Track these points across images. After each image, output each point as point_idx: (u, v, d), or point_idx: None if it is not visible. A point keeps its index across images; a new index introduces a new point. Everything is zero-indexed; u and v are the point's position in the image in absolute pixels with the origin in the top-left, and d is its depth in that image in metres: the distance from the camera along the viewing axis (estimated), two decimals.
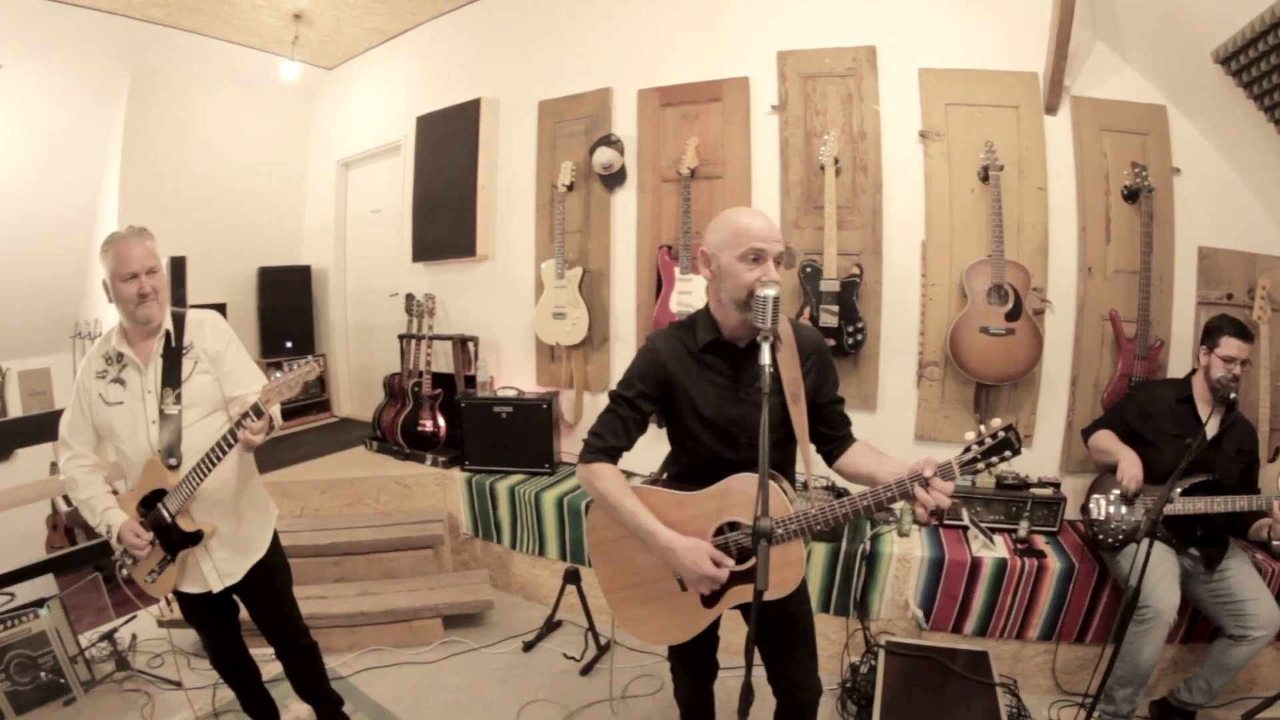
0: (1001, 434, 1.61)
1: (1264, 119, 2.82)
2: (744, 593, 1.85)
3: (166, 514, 2.21)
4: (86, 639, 3.29)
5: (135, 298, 2.17)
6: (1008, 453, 1.61)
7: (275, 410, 2.18)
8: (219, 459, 2.15)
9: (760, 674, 2.02)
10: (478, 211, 4.67)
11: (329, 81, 6.09)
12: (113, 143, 5.13)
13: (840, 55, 3.60)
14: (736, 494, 1.82)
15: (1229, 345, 2.67)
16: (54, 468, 5.44)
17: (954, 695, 2.71)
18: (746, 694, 1.56)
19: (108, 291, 2.22)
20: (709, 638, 2.13)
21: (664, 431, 2.04)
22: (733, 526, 1.85)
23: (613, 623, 3.31)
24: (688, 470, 1.97)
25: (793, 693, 2.09)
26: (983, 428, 1.64)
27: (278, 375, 2.10)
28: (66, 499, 5.22)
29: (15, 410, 5.52)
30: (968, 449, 1.64)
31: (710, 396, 1.88)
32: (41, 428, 4.26)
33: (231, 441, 2.12)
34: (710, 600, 1.90)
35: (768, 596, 1.78)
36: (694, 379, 1.89)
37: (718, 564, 1.79)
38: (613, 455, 1.95)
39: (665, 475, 2.08)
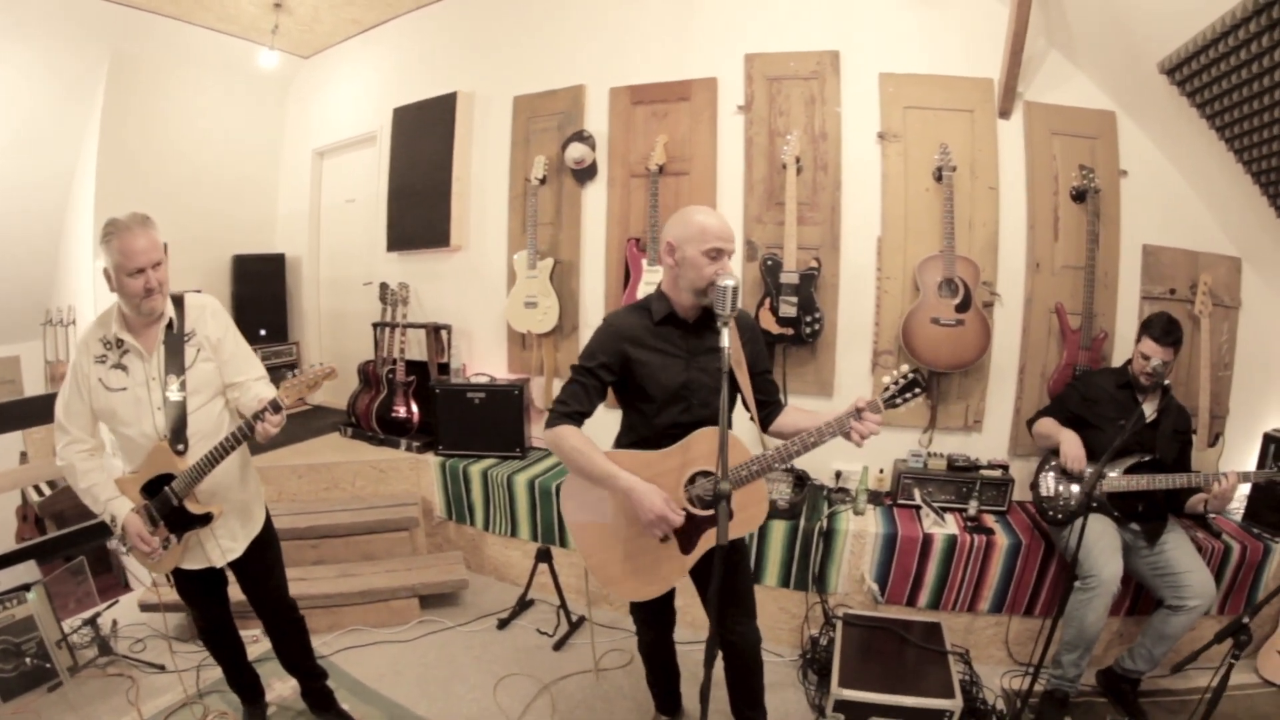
0: (910, 375, 1.98)
1: (1206, 126, 2.97)
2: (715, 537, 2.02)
3: (174, 498, 2.24)
4: (68, 625, 3.26)
5: (141, 292, 2.14)
6: (917, 389, 1.98)
7: None
8: (232, 449, 2.19)
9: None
10: (452, 203, 4.74)
11: (306, 71, 6.06)
12: (90, 127, 5.06)
13: (805, 59, 3.74)
14: (698, 447, 2.09)
15: (1144, 344, 2.90)
16: (24, 458, 5.38)
17: (909, 664, 2.87)
18: (712, 645, 1.75)
19: (109, 281, 2.17)
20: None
21: (617, 410, 2.28)
22: (704, 474, 2.09)
23: (588, 599, 3.44)
24: (643, 435, 2.18)
25: (736, 641, 2.30)
26: (895, 372, 2.00)
27: (297, 373, 2.16)
28: (37, 489, 5.18)
29: None
30: (886, 389, 2.00)
31: (665, 365, 2.14)
32: (11, 416, 4.11)
33: (248, 433, 2.16)
34: (686, 546, 2.12)
35: (739, 532, 2.17)
36: (649, 350, 2.14)
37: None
38: (576, 419, 2.14)
39: (623, 444, 2.26)
